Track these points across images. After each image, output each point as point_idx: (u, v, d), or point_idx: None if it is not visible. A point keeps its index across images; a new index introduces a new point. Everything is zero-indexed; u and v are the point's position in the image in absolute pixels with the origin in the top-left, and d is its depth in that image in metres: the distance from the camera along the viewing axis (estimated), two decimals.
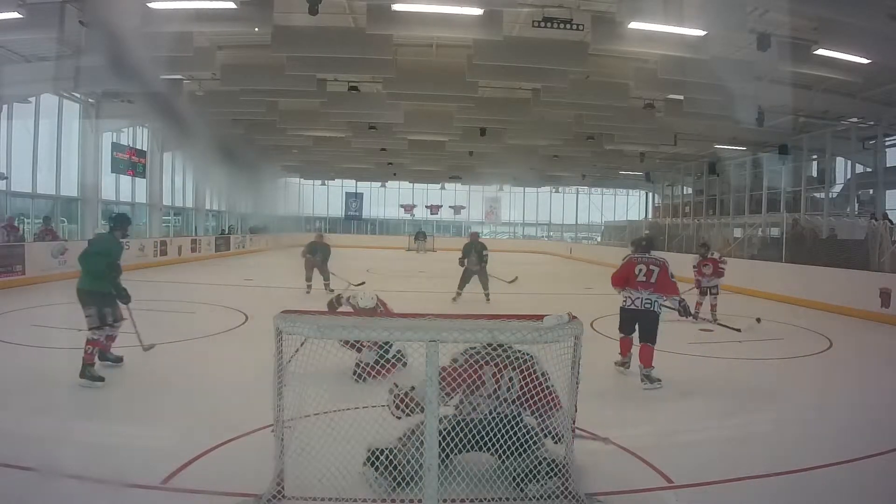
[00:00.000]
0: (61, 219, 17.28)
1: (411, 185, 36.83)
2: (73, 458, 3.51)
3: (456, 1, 9.45)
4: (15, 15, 9.34)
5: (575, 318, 3.11)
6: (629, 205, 36.74)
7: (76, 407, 4.57)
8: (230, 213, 30.77)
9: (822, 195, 19.29)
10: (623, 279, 5.91)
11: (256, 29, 10.82)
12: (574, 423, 3.24)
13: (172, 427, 4.30)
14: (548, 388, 3.31)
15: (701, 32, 9.99)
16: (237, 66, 13.29)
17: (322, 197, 38.09)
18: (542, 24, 9.95)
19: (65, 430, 4.03)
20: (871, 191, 17.58)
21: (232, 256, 23.99)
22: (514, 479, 3.25)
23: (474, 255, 11.66)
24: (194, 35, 11.13)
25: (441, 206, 38.32)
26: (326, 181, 36.67)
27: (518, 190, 37.82)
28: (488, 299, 11.50)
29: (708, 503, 3.37)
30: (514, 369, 3.33)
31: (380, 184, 36.24)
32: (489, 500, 3.19)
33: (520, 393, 3.32)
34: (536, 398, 3.27)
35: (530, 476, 3.21)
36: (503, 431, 3.15)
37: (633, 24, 9.77)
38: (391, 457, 3.26)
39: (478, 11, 9.66)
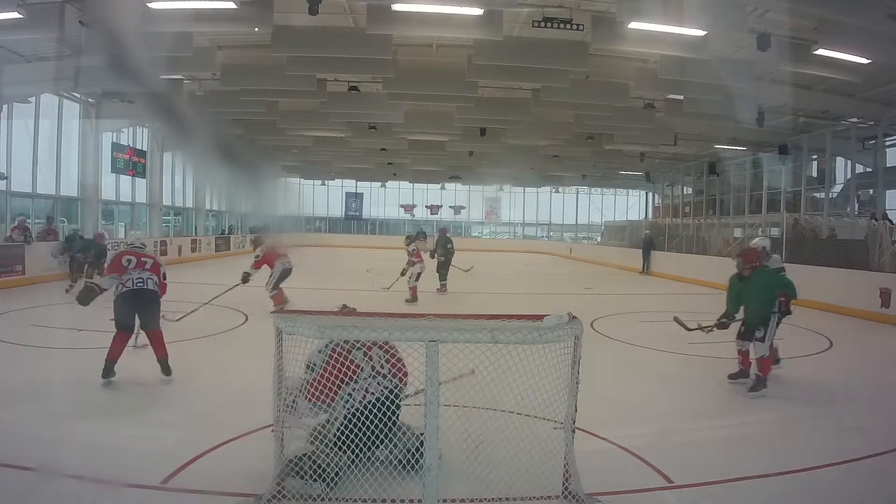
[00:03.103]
0: (61, 219, 17.28)
1: (411, 185, 36.80)
2: (73, 459, 3.51)
3: (456, 1, 9.44)
4: (15, 15, 9.33)
5: (575, 318, 3.11)
6: (629, 205, 36.74)
7: (76, 407, 4.57)
8: (230, 213, 30.73)
9: (822, 195, 19.29)
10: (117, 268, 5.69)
11: (256, 29, 10.82)
12: (574, 423, 3.24)
13: (172, 427, 4.30)
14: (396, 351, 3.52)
15: (701, 32, 9.99)
16: (237, 66, 13.31)
17: (322, 197, 38.09)
18: (542, 24, 9.95)
19: (64, 430, 4.03)
20: (871, 191, 17.57)
21: (232, 256, 23.97)
22: (400, 459, 3.36)
23: (440, 249, 13.25)
24: (194, 35, 11.13)
25: (441, 206, 38.29)
26: (326, 181, 36.65)
27: (518, 190, 37.83)
28: (444, 290, 12.86)
29: (708, 503, 3.37)
30: (374, 344, 3.49)
31: (380, 184, 36.24)
32: (489, 500, 3.19)
33: (390, 364, 3.48)
34: (399, 364, 3.47)
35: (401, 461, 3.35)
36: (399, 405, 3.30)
37: (633, 25, 9.76)
38: (311, 461, 3.23)
39: (478, 11, 9.66)
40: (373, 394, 3.43)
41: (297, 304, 8.90)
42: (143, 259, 5.69)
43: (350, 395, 3.40)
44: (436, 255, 13.21)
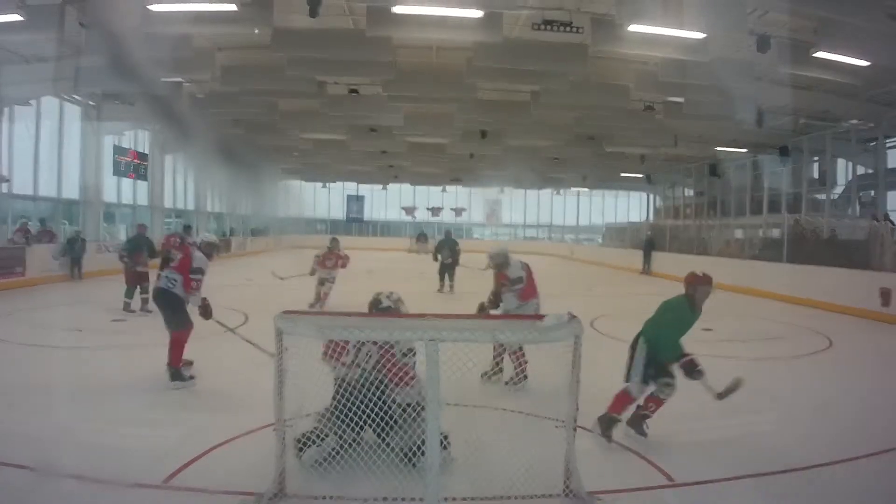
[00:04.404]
0: (63, 221, 17.30)
1: (412, 187, 36.85)
2: (74, 458, 3.52)
3: (456, 3, 9.46)
4: (15, 17, 9.34)
5: (575, 317, 3.11)
6: (630, 206, 36.68)
7: (76, 407, 4.57)
8: (231, 215, 30.77)
9: (824, 196, 19.28)
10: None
11: (256, 31, 10.83)
12: (575, 422, 3.24)
13: (173, 426, 4.31)
14: (405, 363, 3.57)
15: (701, 34, 9.99)
16: (237, 67, 13.31)
17: (323, 199, 38.12)
18: (542, 26, 9.96)
19: (65, 430, 4.03)
20: (872, 192, 17.57)
21: (233, 258, 23.96)
22: (398, 452, 3.49)
23: (447, 251, 12.98)
24: (194, 37, 11.14)
25: (442, 208, 38.30)
26: (327, 183, 36.71)
27: (519, 192, 37.81)
28: (453, 291, 12.83)
29: (708, 502, 3.37)
30: (373, 343, 3.54)
31: (381, 186, 36.27)
32: (491, 499, 3.19)
33: (376, 361, 3.56)
34: (392, 369, 3.50)
35: (412, 450, 3.42)
36: (371, 397, 3.34)
37: (633, 27, 9.76)
38: (313, 436, 3.49)
39: (478, 14, 9.66)
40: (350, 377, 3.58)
41: (297, 304, 8.88)
42: (175, 254, 5.64)
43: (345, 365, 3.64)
44: (440, 256, 13.15)
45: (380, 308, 4.18)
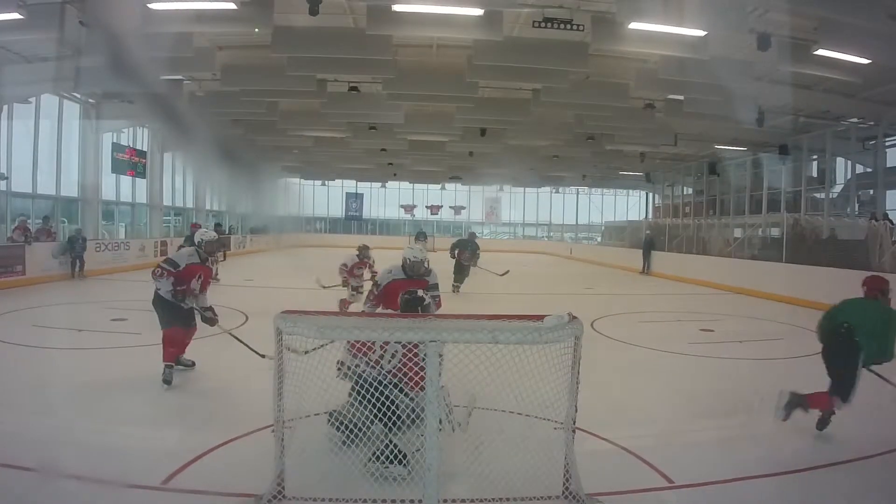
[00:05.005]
0: (62, 219, 17.28)
1: (411, 185, 36.84)
2: (74, 459, 3.51)
3: (456, 1, 9.44)
4: (15, 15, 9.33)
5: (575, 318, 3.11)
6: (629, 205, 36.70)
7: (76, 408, 4.57)
8: (230, 214, 30.74)
9: (823, 195, 19.28)
10: None
11: (257, 30, 10.82)
12: (574, 423, 3.24)
13: (172, 427, 4.30)
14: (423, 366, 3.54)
15: (701, 33, 9.98)
16: (237, 66, 13.28)
17: (322, 197, 38.11)
18: (543, 24, 9.95)
19: (65, 430, 4.03)
20: (871, 191, 17.57)
21: (232, 257, 23.95)
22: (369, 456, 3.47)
23: (469, 252, 13.00)
24: (194, 35, 11.13)
25: (441, 206, 38.31)
26: (327, 181, 36.69)
27: (518, 190, 37.85)
28: (458, 291, 12.72)
29: (708, 503, 3.37)
30: (398, 343, 3.51)
31: (380, 184, 36.26)
32: (489, 500, 3.19)
33: (399, 364, 3.59)
34: (410, 373, 3.53)
35: (375, 455, 3.43)
36: (375, 396, 3.32)
37: (633, 25, 9.75)
38: (341, 416, 3.64)
39: (478, 12, 9.65)
40: (367, 375, 3.64)
41: (297, 303, 8.87)
42: None
43: (366, 363, 3.75)
44: (463, 257, 13.06)
45: (422, 306, 4.33)
